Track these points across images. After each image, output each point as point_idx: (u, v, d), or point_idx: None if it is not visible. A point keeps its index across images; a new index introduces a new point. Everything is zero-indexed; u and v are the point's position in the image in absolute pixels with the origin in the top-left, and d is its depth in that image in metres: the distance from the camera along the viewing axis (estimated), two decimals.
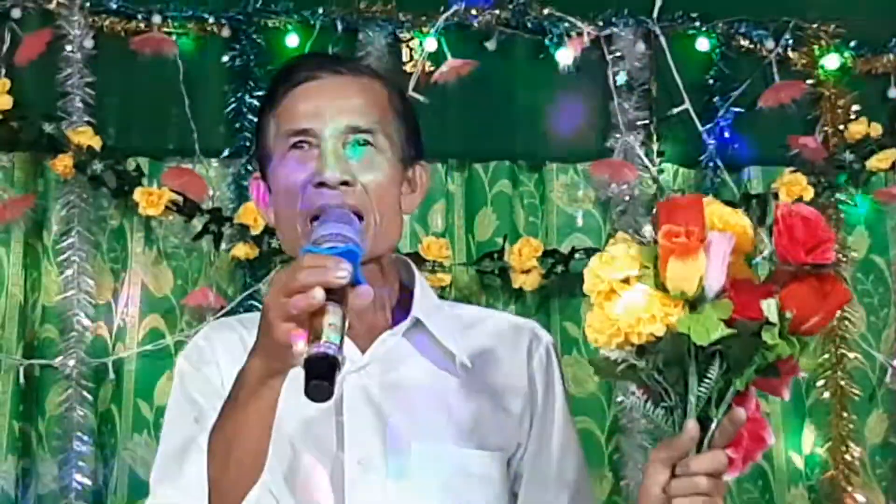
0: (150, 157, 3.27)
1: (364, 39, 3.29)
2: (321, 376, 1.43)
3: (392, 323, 1.84)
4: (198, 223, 3.22)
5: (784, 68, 3.38)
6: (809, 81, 3.39)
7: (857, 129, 3.36)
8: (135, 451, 3.16)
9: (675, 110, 3.34)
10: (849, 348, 3.33)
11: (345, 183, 1.75)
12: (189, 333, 3.16)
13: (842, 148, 3.36)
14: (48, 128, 3.17)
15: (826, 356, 3.31)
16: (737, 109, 3.34)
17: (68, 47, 3.20)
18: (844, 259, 3.32)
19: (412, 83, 3.21)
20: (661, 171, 3.36)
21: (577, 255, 3.25)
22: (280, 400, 1.60)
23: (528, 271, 3.23)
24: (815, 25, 3.41)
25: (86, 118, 3.19)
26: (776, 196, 3.28)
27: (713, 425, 1.56)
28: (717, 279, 1.53)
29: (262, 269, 3.21)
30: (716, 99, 3.35)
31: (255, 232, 3.18)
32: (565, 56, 3.33)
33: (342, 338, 1.46)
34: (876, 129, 3.36)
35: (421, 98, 3.16)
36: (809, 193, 3.28)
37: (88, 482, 3.12)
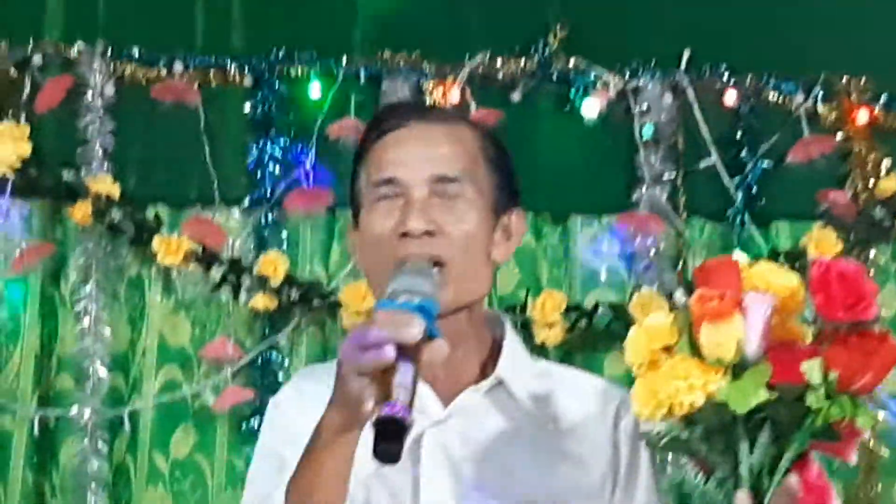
0: (169, 205, 3.25)
1: (387, 89, 3.27)
2: (389, 439, 1.42)
3: (479, 377, 1.82)
4: (216, 273, 3.19)
5: (813, 122, 3.35)
6: (839, 136, 3.35)
7: (888, 185, 3.33)
8: None
9: (703, 164, 3.31)
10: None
11: (428, 233, 1.73)
12: (206, 384, 3.13)
13: (872, 204, 3.32)
14: (67, 175, 3.15)
15: None
16: (765, 163, 3.31)
17: (89, 95, 3.19)
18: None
19: None
20: (687, 225, 3.32)
21: (600, 310, 3.20)
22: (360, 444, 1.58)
23: (551, 326, 3.18)
24: (844, 80, 3.38)
25: (105, 166, 3.17)
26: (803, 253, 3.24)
27: (767, 497, 1.50)
28: (757, 342, 1.47)
29: (280, 321, 3.18)
30: (743, 152, 3.32)
31: (274, 283, 3.15)
32: (591, 107, 3.30)
33: (412, 397, 1.44)
34: None
35: None
36: (839, 249, 3.23)
37: None
